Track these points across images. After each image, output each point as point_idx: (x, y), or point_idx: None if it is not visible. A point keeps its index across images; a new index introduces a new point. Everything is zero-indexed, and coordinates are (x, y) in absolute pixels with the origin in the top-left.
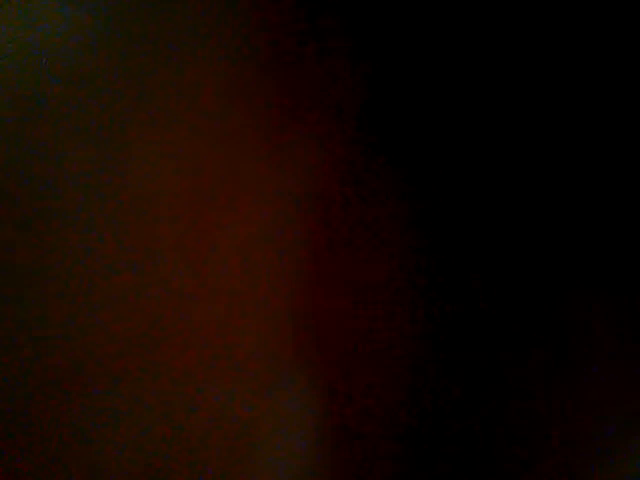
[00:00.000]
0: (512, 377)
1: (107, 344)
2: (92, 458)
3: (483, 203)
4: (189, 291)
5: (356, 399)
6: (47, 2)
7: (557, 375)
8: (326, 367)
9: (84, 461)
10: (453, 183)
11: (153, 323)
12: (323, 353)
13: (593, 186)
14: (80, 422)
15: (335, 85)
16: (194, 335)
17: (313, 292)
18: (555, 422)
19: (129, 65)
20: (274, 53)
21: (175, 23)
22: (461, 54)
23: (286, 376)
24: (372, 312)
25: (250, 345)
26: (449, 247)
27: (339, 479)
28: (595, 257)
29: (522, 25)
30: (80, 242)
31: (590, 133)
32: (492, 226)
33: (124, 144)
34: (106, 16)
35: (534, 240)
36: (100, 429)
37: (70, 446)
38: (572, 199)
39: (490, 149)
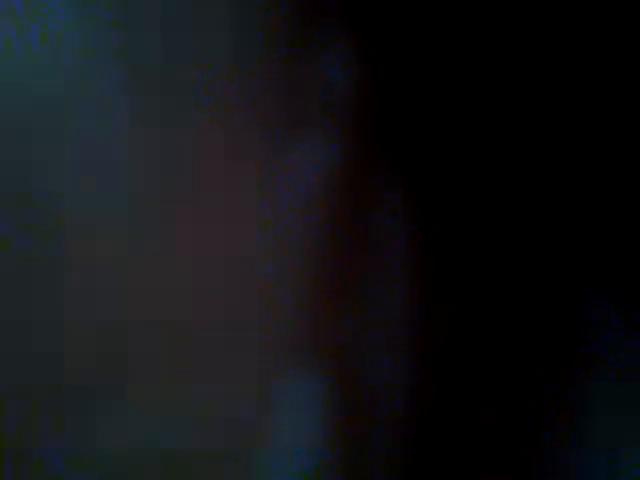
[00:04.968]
0: (518, 379)
1: (109, 342)
2: (92, 456)
3: (492, 205)
4: (192, 290)
5: (360, 397)
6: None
7: (565, 378)
8: (330, 364)
9: (83, 461)
10: (459, 184)
11: (156, 322)
12: (326, 350)
13: (602, 186)
14: (80, 420)
15: (338, 85)
16: (197, 332)
17: (315, 289)
18: (562, 425)
19: (132, 65)
20: (277, 53)
21: (177, 22)
22: (465, 54)
23: (290, 373)
24: (374, 311)
25: (254, 341)
26: (453, 248)
27: (348, 471)
28: (608, 260)
29: (524, 25)
30: (84, 241)
31: (609, 137)
32: (501, 228)
33: (127, 143)
34: (109, 16)
35: (544, 242)
36: (100, 428)
37: (70, 444)
38: (582, 201)
39: (501, 153)
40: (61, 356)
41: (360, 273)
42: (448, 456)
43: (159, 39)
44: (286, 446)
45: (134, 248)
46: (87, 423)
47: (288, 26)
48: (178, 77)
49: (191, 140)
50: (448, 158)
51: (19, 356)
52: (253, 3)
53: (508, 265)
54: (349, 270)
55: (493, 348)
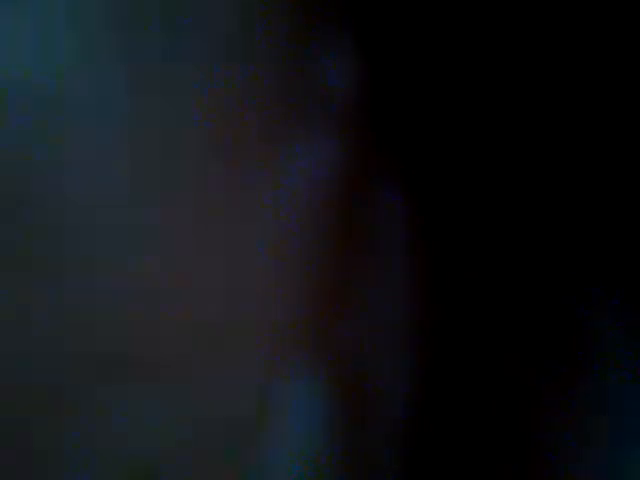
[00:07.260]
0: (518, 381)
1: (109, 342)
2: (92, 454)
3: (492, 205)
4: (191, 290)
5: (363, 397)
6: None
7: (566, 379)
8: (334, 364)
9: (83, 457)
10: (459, 184)
11: (155, 322)
12: (327, 350)
13: (602, 189)
14: (82, 417)
15: (338, 86)
16: (197, 332)
17: (316, 289)
18: (563, 426)
19: (132, 65)
20: (277, 53)
21: (178, 23)
22: (465, 54)
23: (290, 374)
24: (374, 311)
25: (254, 341)
26: (453, 248)
27: (348, 472)
28: (608, 262)
29: (522, 24)
30: (84, 241)
31: (609, 138)
32: (501, 229)
33: (127, 143)
34: (110, 16)
35: (542, 242)
36: (101, 425)
37: (70, 442)
38: (581, 205)
39: (501, 152)
40: (61, 356)
41: (360, 273)
42: (449, 459)
43: (159, 39)
44: (286, 447)
45: (134, 248)
46: (87, 423)
47: (288, 26)
48: (178, 77)
49: (191, 140)
50: (448, 158)
51: (19, 356)
52: (253, 3)
53: (509, 267)
54: (349, 270)
55: (494, 349)
